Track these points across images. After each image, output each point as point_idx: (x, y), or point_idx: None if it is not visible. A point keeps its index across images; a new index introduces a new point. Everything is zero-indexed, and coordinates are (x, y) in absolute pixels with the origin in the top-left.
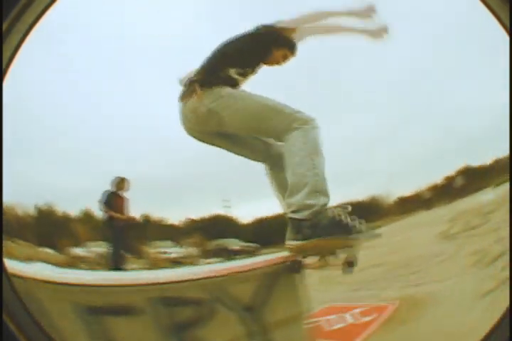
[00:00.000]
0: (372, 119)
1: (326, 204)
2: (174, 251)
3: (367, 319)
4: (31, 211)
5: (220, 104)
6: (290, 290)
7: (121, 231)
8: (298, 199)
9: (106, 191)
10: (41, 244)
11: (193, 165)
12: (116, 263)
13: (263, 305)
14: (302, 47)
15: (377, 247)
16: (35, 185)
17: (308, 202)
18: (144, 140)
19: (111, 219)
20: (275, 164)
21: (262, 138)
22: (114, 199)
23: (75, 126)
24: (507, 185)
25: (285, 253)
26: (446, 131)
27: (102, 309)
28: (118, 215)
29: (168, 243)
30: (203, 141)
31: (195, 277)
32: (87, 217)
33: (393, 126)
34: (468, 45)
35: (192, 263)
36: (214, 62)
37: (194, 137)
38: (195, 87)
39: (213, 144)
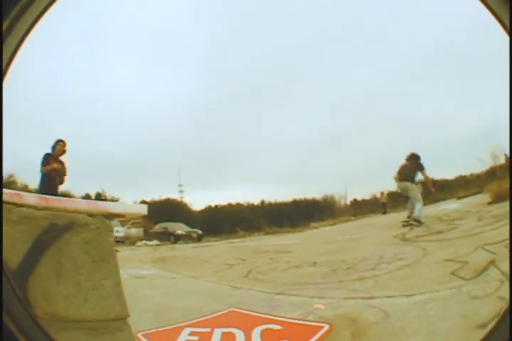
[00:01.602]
0: (341, 119)
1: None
2: (116, 230)
3: None
4: None
5: (412, 188)
6: None
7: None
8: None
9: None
10: None
11: (153, 147)
12: None
13: None
14: None
15: (320, 244)
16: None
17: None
18: (106, 119)
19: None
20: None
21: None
22: (48, 160)
23: (42, 102)
24: (471, 198)
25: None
26: (414, 140)
27: None
28: (47, 167)
29: (115, 221)
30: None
31: None
32: None
33: (361, 129)
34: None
35: (133, 244)
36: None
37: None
38: (407, 179)
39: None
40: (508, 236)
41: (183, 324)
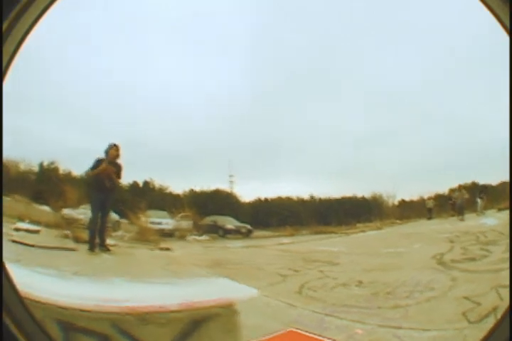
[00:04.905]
0: (391, 119)
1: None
2: (166, 222)
3: None
4: (35, 168)
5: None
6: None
7: (102, 200)
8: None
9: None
10: (37, 201)
11: (203, 137)
12: (92, 240)
13: None
14: None
15: (365, 255)
16: (43, 143)
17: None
18: (155, 107)
19: (93, 184)
20: None
21: None
22: (97, 166)
23: (87, 91)
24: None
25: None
26: (460, 143)
27: None
28: (95, 171)
29: (164, 213)
30: None
31: None
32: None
33: (410, 129)
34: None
35: (182, 237)
36: None
37: None
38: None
39: None
40: None
41: None
